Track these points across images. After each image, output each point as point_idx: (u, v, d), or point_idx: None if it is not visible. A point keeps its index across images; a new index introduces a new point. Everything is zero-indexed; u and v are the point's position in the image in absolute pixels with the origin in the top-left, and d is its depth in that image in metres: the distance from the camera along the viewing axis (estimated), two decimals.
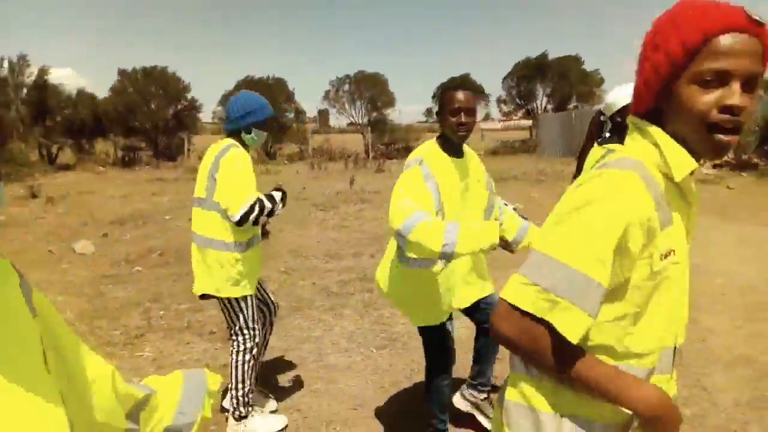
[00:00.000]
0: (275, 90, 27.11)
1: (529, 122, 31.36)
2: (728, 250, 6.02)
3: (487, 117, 43.80)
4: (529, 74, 29.89)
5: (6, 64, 24.30)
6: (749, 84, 0.91)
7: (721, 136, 0.93)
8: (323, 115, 29.89)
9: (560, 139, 23.77)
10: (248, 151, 2.72)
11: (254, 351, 2.71)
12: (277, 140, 27.43)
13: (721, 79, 0.91)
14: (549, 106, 31.14)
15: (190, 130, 26.98)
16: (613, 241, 0.93)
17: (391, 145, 28.30)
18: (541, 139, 27.46)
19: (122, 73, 25.53)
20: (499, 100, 31.35)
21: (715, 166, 14.91)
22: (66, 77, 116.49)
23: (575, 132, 22.68)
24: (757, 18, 0.90)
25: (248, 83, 26.75)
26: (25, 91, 23.93)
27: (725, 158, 14.86)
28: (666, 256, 0.99)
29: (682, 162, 0.98)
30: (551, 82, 30.42)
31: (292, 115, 27.97)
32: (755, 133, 14.06)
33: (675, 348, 1.10)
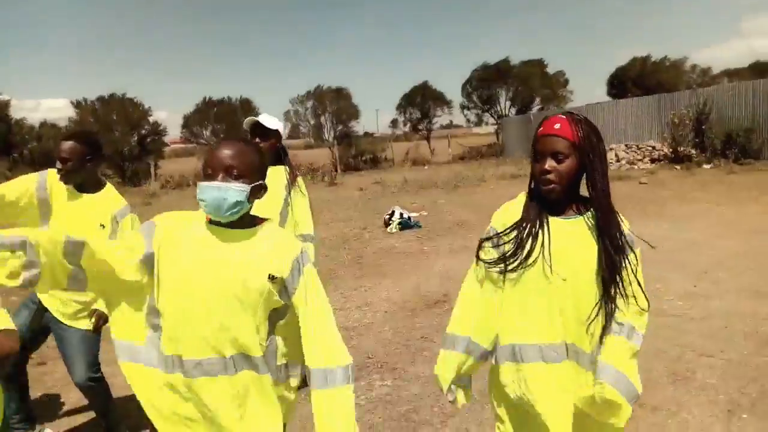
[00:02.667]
0: (241, 111, 27.43)
1: (492, 128, 31.96)
2: None
3: (450, 124, 44.36)
4: (490, 79, 30.49)
5: None
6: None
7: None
8: (294, 129, 30.30)
9: (522, 142, 24.30)
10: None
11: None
12: None
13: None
14: (513, 110, 31.78)
15: (155, 155, 27.12)
16: None
17: (358, 156, 28.64)
18: (505, 143, 28.12)
19: (77, 104, 25.64)
20: (462, 107, 31.89)
21: (653, 161, 15.46)
22: (60, 108, 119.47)
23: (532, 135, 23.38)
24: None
25: (211, 104, 27.05)
26: None
27: (664, 152, 15.44)
28: None
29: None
30: (512, 87, 31.07)
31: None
32: (688, 126, 14.60)
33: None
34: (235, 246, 1.48)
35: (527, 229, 1.53)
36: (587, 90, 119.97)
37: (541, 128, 1.51)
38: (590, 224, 1.51)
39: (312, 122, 28.86)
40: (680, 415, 2.84)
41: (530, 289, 1.52)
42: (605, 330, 1.50)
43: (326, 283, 5.66)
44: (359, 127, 30.15)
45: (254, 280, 1.45)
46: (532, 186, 1.57)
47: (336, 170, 26.78)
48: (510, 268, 1.53)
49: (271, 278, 1.47)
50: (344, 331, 4.41)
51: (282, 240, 1.56)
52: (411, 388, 3.36)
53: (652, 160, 15.61)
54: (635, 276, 1.51)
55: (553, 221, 1.53)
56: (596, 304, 1.48)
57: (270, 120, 3.05)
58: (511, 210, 1.61)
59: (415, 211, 9.58)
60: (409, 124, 32.70)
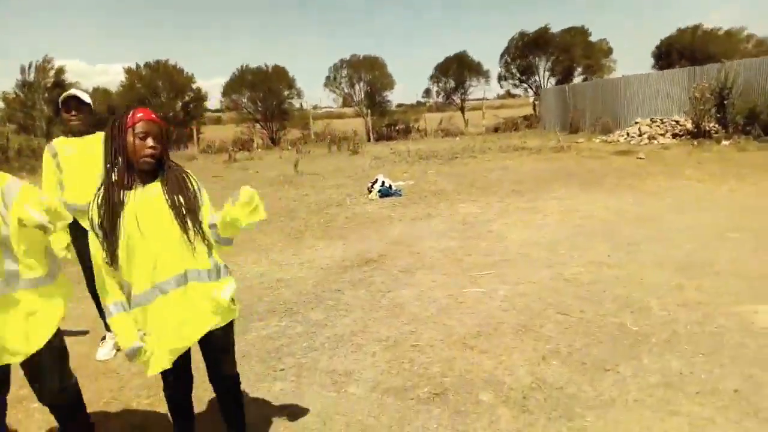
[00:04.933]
0: (276, 78, 28.18)
1: (524, 97, 31.34)
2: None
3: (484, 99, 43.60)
4: (528, 49, 29.82)
5: (32, 68, 26.27)
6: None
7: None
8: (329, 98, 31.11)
9: (560, 114, 23.90)
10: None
11: None
12: (281, 126, 28.63)
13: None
14: (552, 80, 31.06)
15: (198, 120, 28.43)
16: None
17: (391, 126, 28.96)
18: (542, 115, 27.62)
19: (128, 70, 27.09)
20: (499, 77, 31.41)
21: (674, 136, 15.07)
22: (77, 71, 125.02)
23: (568, 106, 22.96)
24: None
25: (247, 72, 27.92)
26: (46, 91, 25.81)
27: (687, 127, 15.02)
28: None
29: None
30: (552, 56, 30.30)
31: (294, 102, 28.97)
32: (710, 100, 14.12)
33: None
34: None
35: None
36: (633, 61, 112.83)
37: (141, 114, 2.01)
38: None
39: (346, 91, 29.28)
40: (500, 357, 3.28)
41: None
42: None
43: (290, 242, 6.20)
44: (393, 96, 30.22)
45: None
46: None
47: (369, 139, 27.36)
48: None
49: None
50: (276, 282, 5.03)
51: None
52: (297, 328, 3.93)
53: (674, 135, 15.21)
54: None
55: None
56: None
57: (83, 94, 3.49)
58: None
59: (403, 180, 10.01)
60: (442, 94, 32.58)
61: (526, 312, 3.94)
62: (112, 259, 1.99)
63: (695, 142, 13.71)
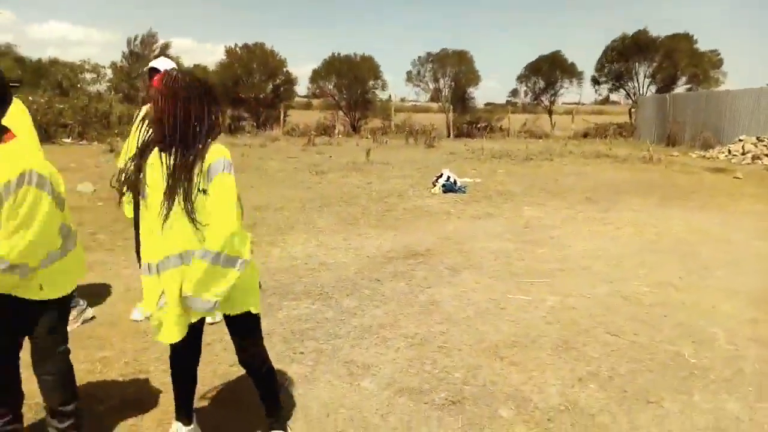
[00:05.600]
0: (363, 67, 28.43)
1: (624, 104, 29.50)
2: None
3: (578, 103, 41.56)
4: (627, 53, 28.04)
5: (139, 40, 28.21)
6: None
7: None
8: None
9: (658, 125, 22.28)
10: None
11: None
12: (363, 115, 28.90)
13: None
14: (652, 88, 29.06)
15: (287, 102, 29.28)
16: None
17: (473, 123, 28.39)
18: (638, 124, 25.90)
19: (228, 50, 28.32)
20: (593, 80, 29.79)
21: None
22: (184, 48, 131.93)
23: (668, 117, 21.33)
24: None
25: (336, 60, 28.35)
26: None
27: None
28: None
29: None
30: (654, 62, 28.30)
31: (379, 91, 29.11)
32: None
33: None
34: None
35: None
36: (746, 74, 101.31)
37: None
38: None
39: (431, 85, 29.01)
40: (531, 372, 3.01)
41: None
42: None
43: (343, 227, 6.14)
44: (481, 94, 29.54)
45: None
46: None
47: (449, 134, 26.98)
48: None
49: None
50: (319, 265, 4.99)
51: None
52: (327, 313, 3.84)
53: None
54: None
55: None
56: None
57: (165, 63, 3.54)
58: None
59: (470, 177, 9.69)
60: (530, 95, 31.40)
61: (571, 327, 3.62)
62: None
63: None
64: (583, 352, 3.25)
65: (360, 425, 2.52)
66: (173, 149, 1.91)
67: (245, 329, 2.18)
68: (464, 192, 8.62)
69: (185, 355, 2.25)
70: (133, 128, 3.60)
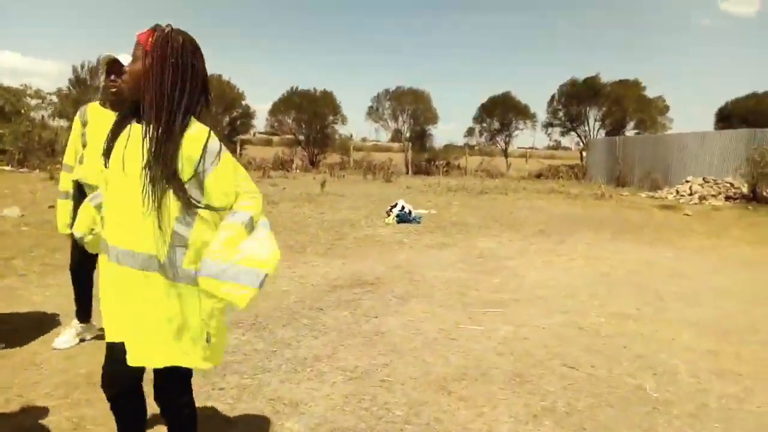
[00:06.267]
0: (322, 102, 28.43)
1: (575, 149, 30.48)
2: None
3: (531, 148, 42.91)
4: (579, 97, 29.15)
5: (86, 68, 27.36)
6: None
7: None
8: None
9: (608, 167, 22.92)
10: None
11: None
12: (321, 150, 28.70)
13: None
14: (602, 132, 30.15)
15: (244, 137, 28.83)
16: None
17: (431, 161, 28.61)
18: (588, 166, 26.68)
19: None
20: (546, 124, 30.73)
21: (727, 199, 14.07)
22: None
23: (617, 159, 22.02)
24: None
25: (295, 95, 28.27)
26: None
27: (740, 191, 14.01)
28: None
29: None
30: (604, 107, 29.47)
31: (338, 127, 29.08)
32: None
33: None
34: None
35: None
36: (689, 119, 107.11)
37: None
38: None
39: (390, 123, 29.23)
40: (481, 408, 2.69)
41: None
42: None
43: (290, 255, 5.73)
44: (437, 132, 29.96)
45: None
46: None
47: (408, 171, 27.11)
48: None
49: None
50: (269, 287, 4.55)
51: None
52: (257, 344, 3.43)
53: (727, 198, 14.19)
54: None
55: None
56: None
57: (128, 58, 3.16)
58: None
59: (426, 209, 9.50)
60: (486, 134, 32.05)
61: (525, 359, 3.33)
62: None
63: (750, 207, 12.70)
64: (538, 386, 2.96)
65: None
66: (155, 120, 1.52)
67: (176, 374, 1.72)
68: (419, 222, 8.39)
69: (121, 366, 1.64)
70: (77, 130, 3.18)
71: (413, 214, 8.54)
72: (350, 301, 4.40)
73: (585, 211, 11.00)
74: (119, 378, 1.68)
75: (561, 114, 30.03)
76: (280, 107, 28.68)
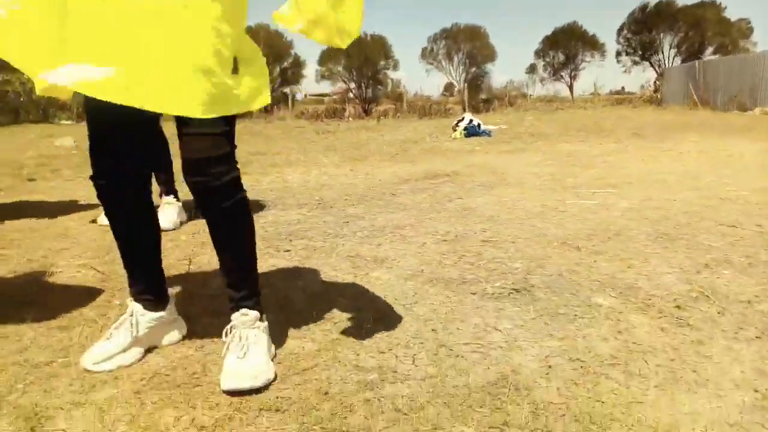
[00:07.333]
0: (373, 47, 27.41)
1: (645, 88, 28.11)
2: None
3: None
4: (652, 23, 26.65)
5: None
6: None
7: None
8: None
9: (685, 96, 20.88)
10: None
11: None
12: (374, 97, 27.87)
13: None
14: (678, 59, 27.61)
15: (294, 85, 28.39)
16: None
17: (487, 101, 27.23)
18: (666, 96, 24.50)
19: None
20: (617, 53, 28.39)
21: None
22: None
23: (698, 86, 19.96)
24: None
25: None
26: None
27: None
28: None
29: None
30: (680, 32, 26.85)
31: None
32: None
33: None
34: None
35: None
36: None
37: None
38: None
39: (443, 63, 27.89)
40: (628, 261, 2.00)
41: None
42: None
43: (351, 163, 5.13)
44: (494, 68, 28.37)
45: None
46: None
47: (464, 110, 25.80)
48: None
49: None
50: (320, 186, 4.01)
51: None
52: (325, 218, 2.86)
53: None
54: None
55: None
56: None
57: None
58: None
59: (495, 124, 8.65)
60: (550, 70, 30.04)
61: (665, 222, 2.59)
62: None
63: None
64: (695, 242, 2.23)
65: (367, 315, 1.53)
66: None
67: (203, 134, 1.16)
68: (490, 135, 7.57)
69: (109, 153, 1.23)
70: None
71: (483, 128, 7.72)
72: (426, 189, 3.76)
73: (679, 118, 9.83)
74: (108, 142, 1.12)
75: (634, 42, 27.58)
76: (330, 54, 27.87)
